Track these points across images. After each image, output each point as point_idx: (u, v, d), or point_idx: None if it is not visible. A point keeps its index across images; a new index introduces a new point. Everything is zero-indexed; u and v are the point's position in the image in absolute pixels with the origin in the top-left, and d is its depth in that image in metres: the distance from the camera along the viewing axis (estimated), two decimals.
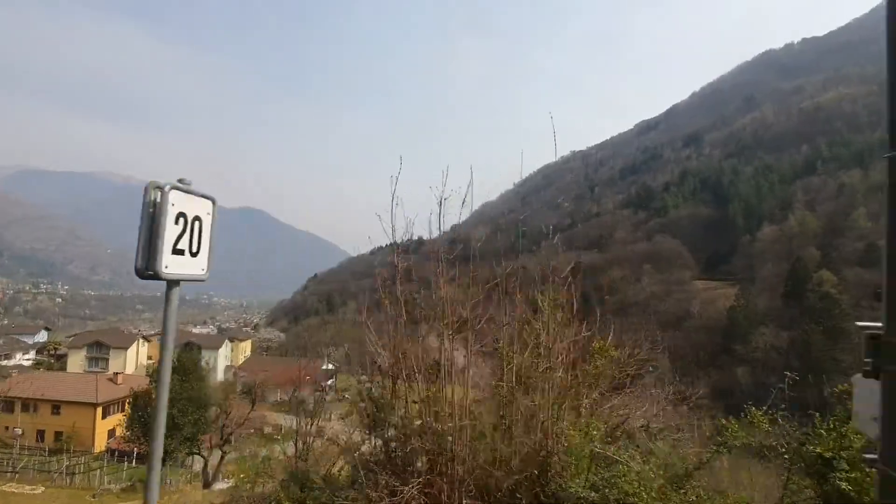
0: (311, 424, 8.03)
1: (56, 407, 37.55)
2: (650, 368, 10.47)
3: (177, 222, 2.02)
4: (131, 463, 29.36)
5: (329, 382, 37.64)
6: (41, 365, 53.33)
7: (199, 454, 21.21)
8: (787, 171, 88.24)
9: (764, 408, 4.43)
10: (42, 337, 70.53)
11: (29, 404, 36.87)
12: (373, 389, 4.85)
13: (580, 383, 5.22)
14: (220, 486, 18.03)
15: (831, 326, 55.22)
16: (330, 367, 42.60)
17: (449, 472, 4.15)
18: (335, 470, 5.01)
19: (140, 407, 20.83)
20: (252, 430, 25.90)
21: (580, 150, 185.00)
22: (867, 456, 1.47)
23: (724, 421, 4.71)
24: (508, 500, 4.07)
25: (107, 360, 51.83)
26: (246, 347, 66.33)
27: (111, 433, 37.35)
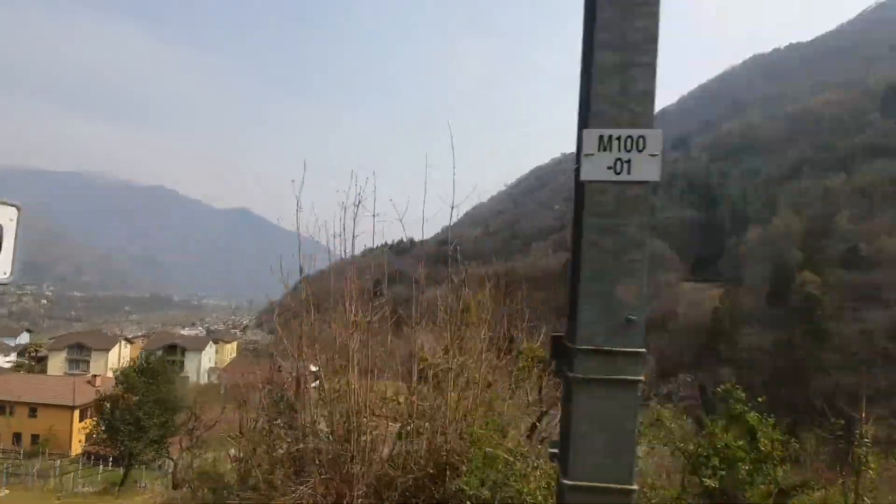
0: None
1: (33, 409, 36.96)
2: None
3: None
4: (107, 466, 28.96)
5: (315, 384, 37.36)
6: (21, 367, 52.46)
7: (167, 457, 20.96)
8: (773, 174, 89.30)
9: (671, 405, 4.45)
10: (24, 339, 69.48)
11: (6, 407, 36.25)
12: (275, 391, 4.81)
13: (493, 383, 5.21)
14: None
15: (814, 327, 55.95)
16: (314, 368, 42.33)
17: (348, 471, 4.12)
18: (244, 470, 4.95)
19: (107, 410, 20.55)
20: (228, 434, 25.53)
21: (571, 153, 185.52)
22: (551, 451, 1.45)
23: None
24: (404, 500, 4.03)
25: (88, 362, 51.10)
26: (232, 349, 65.69)
27: (89, 436, 36.86)
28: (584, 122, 1.32)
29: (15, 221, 2.31)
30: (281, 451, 4.26)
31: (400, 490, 4.15)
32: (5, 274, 2.28)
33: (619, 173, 1.26)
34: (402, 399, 4.89)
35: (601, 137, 1.27)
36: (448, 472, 4.19)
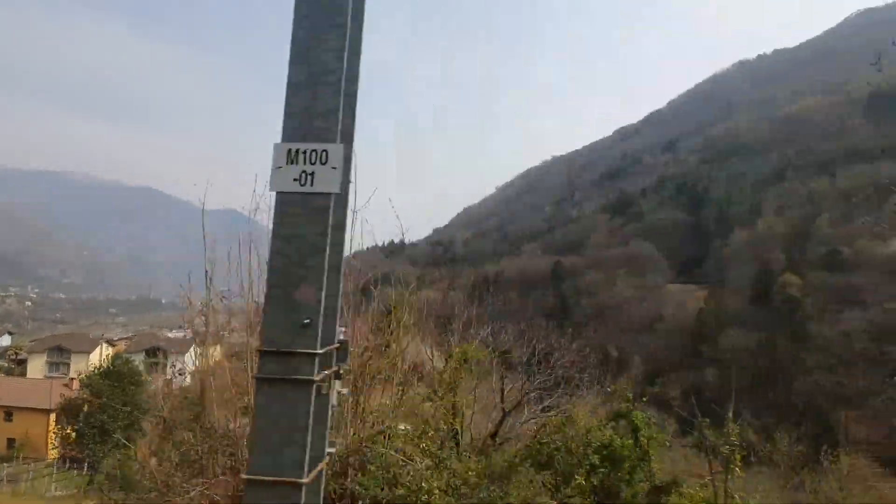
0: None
1: (9, 413, 36.38)
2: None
3: None
4: (82, 470, 28.57)
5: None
6: (0, 370, 51.62)
7: (135, 461, 20.66)
8: (758, 177, 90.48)
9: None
10: (6, 341, 68.31)
11: None
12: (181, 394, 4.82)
13: (408, 386, 5.28)
14: None
15: (795, 328, 56.75)
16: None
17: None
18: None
19: (74, 414, 20.30)
20: None
21: (563, 155, 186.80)
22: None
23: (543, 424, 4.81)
24: None
25: (68, 364, 50.40)
26: (217, 351, 64.87)
27: (64, 440, 36.34)
28: (284, 134, 1.40)
29: None
30: (181, 452, 4.29)
31: None
32: None
33: (304, 185, 1.33)
34: None
35: (289, 151, 1.34)
36: (351, 472, 4.24)
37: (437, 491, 4.03)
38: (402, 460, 4.10)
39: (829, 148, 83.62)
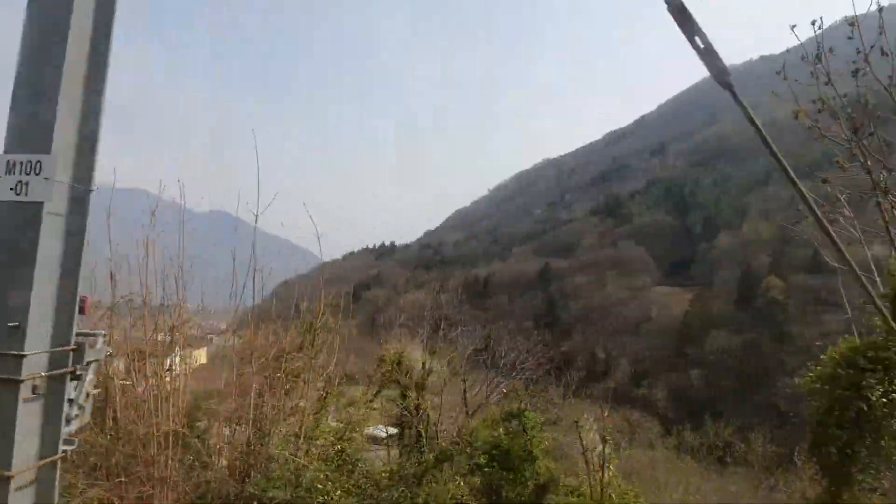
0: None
1: None
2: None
3: None
4: None
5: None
6: None
7: None
8: (743, 181, 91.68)
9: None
10: None
11: None
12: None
13: (319, 385, 5.33)
14: None
15: (778, 330, 57.53)
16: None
17: (157, 474, 4.18)
18: None
19: None
20: None
21: (555, 158, 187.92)
22: None
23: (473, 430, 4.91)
24: (205, 500, 4.11)
25: None
26: (201, 355, 64.36)
27: None
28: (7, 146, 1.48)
29: None
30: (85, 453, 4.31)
31: (205, 489, 4.23)
32: None
33: (19, 194, 1.41)
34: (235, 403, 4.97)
35: (8, 162, 1.43)
36: (253, 473, 4.28)
37: (338, 492, 4.09)
38: (303, 463, 4.15)
39: (809, 153, 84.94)
